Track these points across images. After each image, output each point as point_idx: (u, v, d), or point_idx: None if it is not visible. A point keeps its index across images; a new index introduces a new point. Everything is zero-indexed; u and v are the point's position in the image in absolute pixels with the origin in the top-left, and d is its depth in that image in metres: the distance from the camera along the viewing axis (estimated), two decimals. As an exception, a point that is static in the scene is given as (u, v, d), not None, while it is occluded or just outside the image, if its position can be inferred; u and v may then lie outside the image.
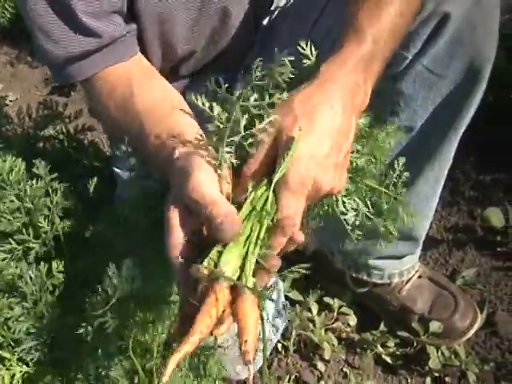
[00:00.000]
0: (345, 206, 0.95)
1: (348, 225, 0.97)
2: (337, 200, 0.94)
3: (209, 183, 0.76)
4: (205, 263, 0.69)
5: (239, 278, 0.70)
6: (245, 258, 0.71)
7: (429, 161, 1.25)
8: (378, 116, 1.03)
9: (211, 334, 0.69)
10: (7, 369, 1.05)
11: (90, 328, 0.94)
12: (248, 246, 0.72)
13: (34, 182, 1.17)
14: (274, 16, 1.37)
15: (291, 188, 0.79)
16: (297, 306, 1.50)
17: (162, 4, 1.10)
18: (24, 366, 1.06)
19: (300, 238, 0.77)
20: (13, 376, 1.05)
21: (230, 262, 0.70)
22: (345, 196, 0.95)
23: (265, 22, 1.37)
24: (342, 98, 0.83)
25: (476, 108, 1.21)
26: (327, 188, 0.82)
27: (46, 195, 1.17)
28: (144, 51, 1.15)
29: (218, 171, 0.78)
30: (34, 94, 2.94)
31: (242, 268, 0.71)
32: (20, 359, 1.07)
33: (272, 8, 1.36)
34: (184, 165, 0.79)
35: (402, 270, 1.45)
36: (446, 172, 1.30)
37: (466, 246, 1.65)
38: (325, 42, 1.03)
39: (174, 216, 0.76)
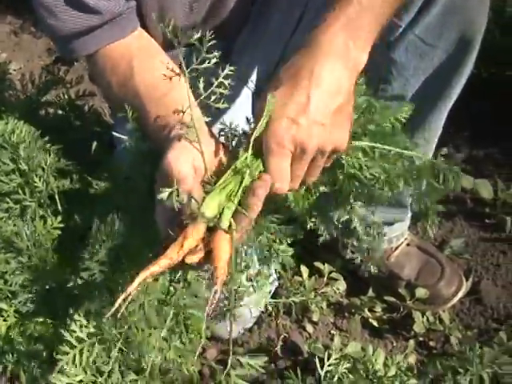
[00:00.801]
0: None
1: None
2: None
3: (182, 160, 0.82)
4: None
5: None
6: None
7: (418, 129, 1.28)
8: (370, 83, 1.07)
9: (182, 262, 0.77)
10: (4, 320, 1.10)
11: (79, 280, 0.98)
12: (230, 197, 0.80)
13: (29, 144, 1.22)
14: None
15: (269, 149, 0.83)
16: (288, 269, 1.55)
17: None
18: (20, 318, 1.11)
19: (281, 190, 0.84)
20: (8, 326, 1.10)
21: (210, 207, 0.78)
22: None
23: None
24: (326, 59, 0.85)
25: (466, 79, 1.24)
26: (312, 146, 0.84)
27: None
28: (145, 26, 1.18)
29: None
30: (37, 64, 2.97)
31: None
32: (16, 311, 1.11)
33: None
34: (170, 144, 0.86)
35: (391, 237, 1.49)
36: (436, 140, 1.34)
37: (456, 216, 1.69)
38: (320, 12, 1.06)
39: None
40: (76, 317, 0.93)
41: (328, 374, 1.09)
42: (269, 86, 0.88)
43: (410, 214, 1.51)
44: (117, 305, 0.76)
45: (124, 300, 0.77)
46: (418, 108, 1.26)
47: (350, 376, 1.09)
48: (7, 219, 1.18)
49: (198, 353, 1.26)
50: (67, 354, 0.89)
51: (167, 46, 1.18)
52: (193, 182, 0.81)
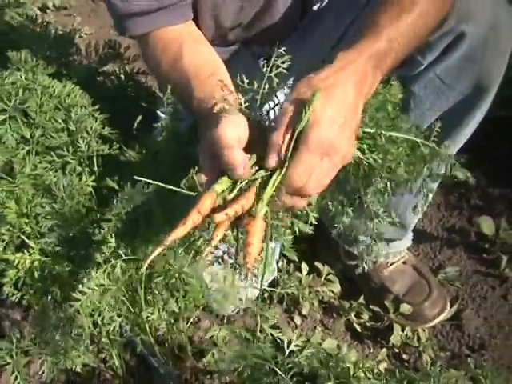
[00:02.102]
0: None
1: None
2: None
3: (230, 133, 0.91)
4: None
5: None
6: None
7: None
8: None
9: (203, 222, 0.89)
10: (30, 254, 1.26)
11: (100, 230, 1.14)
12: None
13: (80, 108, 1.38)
14: (323, 4, 1.51)
15: (309, 146, 0.88)
16: (290, 264, 1.68)
17: None
18: (43, 256, 1.27)
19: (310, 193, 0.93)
20: (32, 262, 1.26)
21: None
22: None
23: (315, 7, 1.51)
24: (353, 82, 0.94)
25: (478, 124, 1.34)
26: (343, 152, 0.91)
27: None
28: (196, 21, 1.31)
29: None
30: (107, 32, 3.13)
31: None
32: (41, 250, 1.27)
33: None
34: (217, 117, 0.95)
35: (388, 253, 1.60)
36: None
37: (457, 246, 1.79)
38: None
39: (201, 156, 0.96)
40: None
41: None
42: (301, 86, 0.94)
43: (410, 236, 1.62)
44: (152, 257, 0.89)
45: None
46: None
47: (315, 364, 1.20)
48: (49, 170, 1.33)
49: (191, 320, 1.42)
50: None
51: (213, 42, 1.33)
52: (238, 149, 0.91)
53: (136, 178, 1.09)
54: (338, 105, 0.91)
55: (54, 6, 3.41)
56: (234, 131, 0.92)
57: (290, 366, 1.05)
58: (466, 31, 1.17)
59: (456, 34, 1.18)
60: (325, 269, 1.68)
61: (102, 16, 3.25)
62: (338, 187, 1.13)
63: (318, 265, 1.68)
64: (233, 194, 0.91)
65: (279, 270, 1.60)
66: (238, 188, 0.91)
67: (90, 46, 2.08)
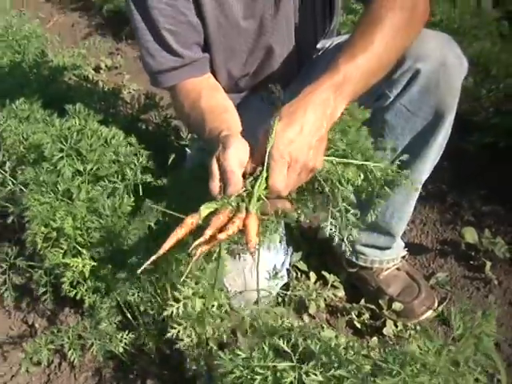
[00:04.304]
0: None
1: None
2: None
3: (233, 158, 1.15)
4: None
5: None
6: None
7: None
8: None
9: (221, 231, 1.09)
10: (82, 260, 1.58)
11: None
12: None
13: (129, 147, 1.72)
14: (318, 54, 1.82)
15: (273, 158, 1.13)
16: (301, 274, 1.97)
17: (226, 40, 1.60)
18: (92, 261, 1.59)
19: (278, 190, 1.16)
20: (84, 266, 1.58)
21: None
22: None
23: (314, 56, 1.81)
24: (313, 106, 1.17)
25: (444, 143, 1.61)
26: (302, 160, 1.14)
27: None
28: (213, 72, 1.63)
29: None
30: (150, 91, 3.53)
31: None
32: (91, 256, 1.57)
33: (318, 47, 1.79)
34: (224, 142, 1.19)
35: (382, 260, 1.86)
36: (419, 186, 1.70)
37: (448, 256, 2.04)
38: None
39: (213, 170, 1.17)
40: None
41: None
42: (274, 116, 1.18)
43: (400, 244, 1.89)
44: (145, 264, 1.11)
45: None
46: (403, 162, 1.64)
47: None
48: (100, 193, 1.65)
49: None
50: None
51: (226, 89, 1.65)
52: (238, 176, 1.15)
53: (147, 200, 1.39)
54: (298, 125, 1.15)
55: (106, 66, 3.80)
56: (236, 157, 1.16)
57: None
58: (420, 69, 1.44)
59: (413, 71, 1.44)
60: (331, 277, 1.95)
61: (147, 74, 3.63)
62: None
63: (325, 273, 1.96)
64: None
65: (288, 276, 1.88)
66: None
67: (133, 98, 2.47)
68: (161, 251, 1.11)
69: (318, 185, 1.29)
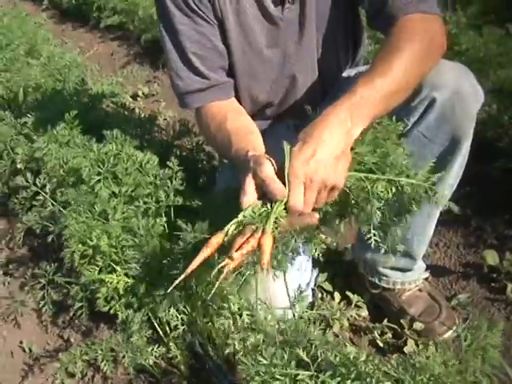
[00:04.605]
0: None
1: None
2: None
3: (271, 171, 1.23)
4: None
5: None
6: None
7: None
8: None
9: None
10: (117, 276, 1.67)
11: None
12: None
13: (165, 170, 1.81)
14: (342, 83, 1.90)
15: (289, 179, 1.20)
16: (326, 294, 2.04)
17: (250, 68, 1.70)
18: (126, 278, 1.68)
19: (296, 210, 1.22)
20: (118, 282, 1.67)
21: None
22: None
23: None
24: (331, 126, 1.23)
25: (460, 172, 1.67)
26: (318, 179, 1.19)
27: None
28: (238, 98, 1.74)
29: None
30: (188, 113, 3.65)
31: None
32: (126, 273, 1.67)
33: (344, 75, 1.87)
34: (256, 159, 1.26)
35: (404, 281, 1.92)
36: (438, 212, 1.76)
37: (471, 278, 2.08)
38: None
39: (247, 185, 1.25)
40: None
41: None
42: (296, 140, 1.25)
43: (422, 266, 1.94)
44: (177, 282, 1.21)
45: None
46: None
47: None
48: (135, 214, 1.75)
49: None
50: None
51: (252, 115, 1.72)
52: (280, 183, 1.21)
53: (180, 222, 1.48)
54: (313, 145, 1.21)
55: (143, 93, 3.95)
56: (272, 169, 1.23)
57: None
58: (436, 97, 1.49)
59: (429, 99, 1.50)
60: (354, 297, 2.01)
61: None
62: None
63: (349, 293, 2.02)
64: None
65: (313, 295, 1.95)
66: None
67: (168, 125, 2.59)
68: (188, 270, 1.21)
69: (350, 198, 1.36)
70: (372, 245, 1.38)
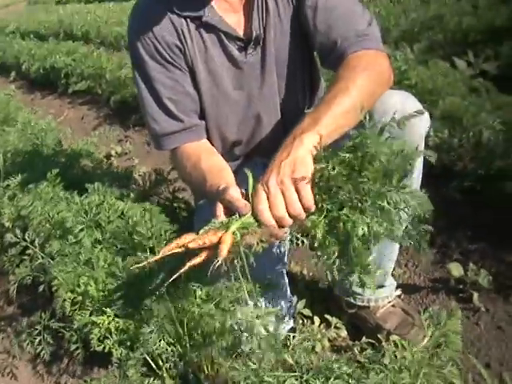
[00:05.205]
0: None
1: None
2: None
3: (235, 193, 1.36)
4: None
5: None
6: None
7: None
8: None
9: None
10: (107, 317, 1.77)
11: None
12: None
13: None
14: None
15: (254, 194, 1.35)
16: (306, 319, 2.16)
17: (219, 109, 1.85)
18: (116, 318, 1.74)
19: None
20: (109, 322, 1.74)
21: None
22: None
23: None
24: (297, 148, 1.35)
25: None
26: (273, 181, 1.31)
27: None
28: (209, 139, 1.88)
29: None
30: (159, 168, 3.80)
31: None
32: (115, 314, 1.75)
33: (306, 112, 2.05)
34: (224, 188, 1.39)
35: (377, 298, 2.04)
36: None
37: (440, 291, 2.23)
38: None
39: (217, 209, 1.37)
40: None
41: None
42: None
43: (392, 283, 2.08)
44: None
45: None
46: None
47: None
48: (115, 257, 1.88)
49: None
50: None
51: (224, 155, 1.87)
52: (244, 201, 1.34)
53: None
54: (271, 165, 1.37)
55: (116, 153, 4.11)
56: (237, 191, 1.37)
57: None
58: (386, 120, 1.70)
59: (381, 124, 1.70)
60: (333, 319, 2.13)
61: (154, 157, 3.90)
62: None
63: (327, 316, 2.14)
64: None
65: (294, 321, 2.07)
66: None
67: (144, 177, 2.73)
68: (164, 252, 1.32)
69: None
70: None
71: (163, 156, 3.66)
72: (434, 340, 1.29)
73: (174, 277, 1.31)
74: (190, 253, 1.33)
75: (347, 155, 1.32)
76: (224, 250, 1.24)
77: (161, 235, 1.81)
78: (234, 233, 1.28)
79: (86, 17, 9.06)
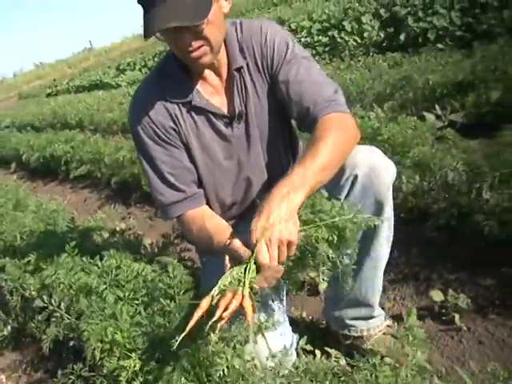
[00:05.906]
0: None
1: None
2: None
3: (238, 243, 1.61)
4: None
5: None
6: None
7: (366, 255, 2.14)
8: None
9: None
10: (133, 361, 2.01)
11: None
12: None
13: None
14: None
15: (254, 241, 1.55)
16: (307, 354, 2.40)
17: (214, 177, 2.15)
18: (141, 361, 2.01)
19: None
20: (135, 366, 2.00)
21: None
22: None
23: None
24: (276, 200, 1.57)
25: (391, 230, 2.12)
26: (275, 237, 1.52)
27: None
28: (208, 202, 2.16)
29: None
30: (166, 233, 4.01)
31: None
32: (140, 358, 2.02)
33: None
34: (229, 242, 1.65)
35: (369, 327, 2.30)
36: (384, 262, 2.18)
37: (425, 318, 2.48)
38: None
39: (226, 260, 1.64)
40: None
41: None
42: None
43: (381, 313, 2.34)
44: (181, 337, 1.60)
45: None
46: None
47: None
48: (137, 313, 2.16)
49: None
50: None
51: (222, 215, 2.17)
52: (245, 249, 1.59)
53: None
54: (265, 215, 1.55)
55: (121, 229, 4.36)
56: (238, 242, 1.62)
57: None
58: (357, 174, 1.92)
59: (352, 177, 1.92)
60: (333, 351, 2.37)
61: (158, 230, 4.10)
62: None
63: (327, 348, 2.39)
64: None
65: (297, 355, 2.31)
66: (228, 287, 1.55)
67: (152, 244, 3.01)
68: (188, 328, 1.55)
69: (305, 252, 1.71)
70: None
71: (166, 228, 3.96)
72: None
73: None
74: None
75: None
76: (250, 316, 1.49)
77: (181, 283, 2.08)
78: (249, 293, 1.52)
79: (78, 106, 9.54)
